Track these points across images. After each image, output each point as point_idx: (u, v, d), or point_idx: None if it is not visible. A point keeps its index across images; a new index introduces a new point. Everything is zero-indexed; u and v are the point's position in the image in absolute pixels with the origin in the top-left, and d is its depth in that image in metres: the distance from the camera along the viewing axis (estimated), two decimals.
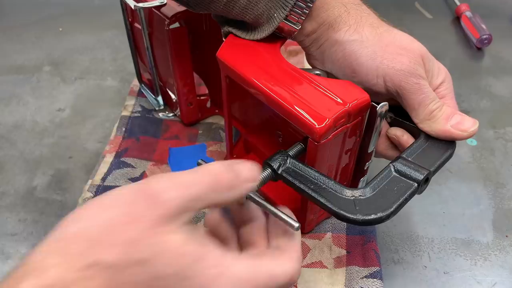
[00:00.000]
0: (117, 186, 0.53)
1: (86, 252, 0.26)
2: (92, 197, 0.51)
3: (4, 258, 0.48)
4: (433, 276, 0.47)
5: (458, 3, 0.86)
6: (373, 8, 0.44)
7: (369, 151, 0.44)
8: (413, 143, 0.41)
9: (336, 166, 0.43)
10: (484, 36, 0.77)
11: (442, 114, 0.41)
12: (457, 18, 0.86)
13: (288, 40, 0.45)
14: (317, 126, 0.37)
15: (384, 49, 0.41)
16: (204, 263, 0.28)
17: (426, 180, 0.37)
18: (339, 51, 0.42)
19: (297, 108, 0.38)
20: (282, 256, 0.33)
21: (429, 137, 0.41)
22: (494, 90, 0.71)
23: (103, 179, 0.54)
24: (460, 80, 0.72)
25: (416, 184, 0.36)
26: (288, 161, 0.39)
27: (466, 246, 0.50)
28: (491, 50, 0.79)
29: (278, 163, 0.39)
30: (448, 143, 0.41)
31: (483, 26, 0.79)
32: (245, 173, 0.31)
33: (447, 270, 0.48)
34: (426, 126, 0.41)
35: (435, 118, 0.41)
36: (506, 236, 0.51)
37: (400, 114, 0.43)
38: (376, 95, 0.42)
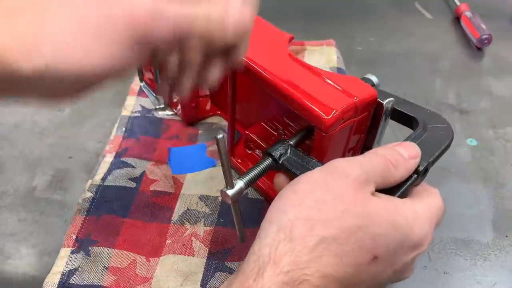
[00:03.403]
0: (117, 186, 0.53)
1: (309, 234, 0.29)
2: (92, 197, 0.51)
3: (4, 258, 0.48)
4: (433, 276, 0.47)
5: (458, 3, 0.86)
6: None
7: (373, 148, 0.44)
8: (411, 135, 0.41)
9: None
10: (484, 36, 0.77)
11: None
12: (457, 18, 0.86)
13: None
14: (325, 117, 0.37)
15: None
16: (401, 212, 0.32)
17: (426, 170, 0.38)
18: None
19: (306, 100, 0.39)
20: (429, 197, 0.36)
21: (426, 129, 0.41)
22: (494, 90, 0.71)
23: (103, 179, 0.54)
24: (460, 80, 0.72)
25: (415, 175, 0.37)
26: (289, 150, 0.39)
27: (466, 246, 0.50)
28: (491, 50, 0.79)
29: (280, 153, 0.39)
30: (445, 134, 0.41)
31: (483, 26, 0.79)
32: (406, 152, 0.35)
33: (447, 270, 0.48)
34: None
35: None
36: (506, 236, 0.51)
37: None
38: None
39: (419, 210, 0.34)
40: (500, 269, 0.48)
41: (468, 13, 0.83)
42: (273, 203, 0.32)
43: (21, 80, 0.26)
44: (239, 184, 0.37)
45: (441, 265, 0.48)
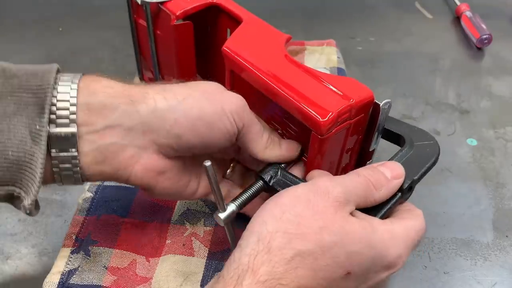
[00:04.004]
0: (117, 186, 0.53)
1: (287, 247, 0.31)
2: (92, 197, 0.51)
3: (4, 258, 0.48)
4: (433, 276, 0.47)
5: (458, 3, 0.86)
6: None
7: (370, 150, 0.44)
8: (397, 153, 0.41)
9: (337, 165, 0.44)
10: (484, 36, 0.77)
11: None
12: (457, 18, 0.86)
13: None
14: (321, 120, 0.37)
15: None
16: (378, 232, 0.34)
17: (410, 188, 0.38)
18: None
19: (301, 102, 0.38)
20: (409, 219, 0.37)
21: (412, 146, 0.41)
22: (494, 90, 0.71)
23: None
24: (460, 80, 0.72)
25: (399, 194, 0.37)
26: (279, 173, 0.41)
27: (466, 246, 0.50)
28: (491, 50, 0.79)
29: (270, 176, 0.41)
30: (432, 151, 0.41)
31: (483, 26, 0.79)
32: (389, 173, 0.36)
33: (447, 270, 0.48)
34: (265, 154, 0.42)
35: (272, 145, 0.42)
36: (506, 236, 0.51)
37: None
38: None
39: (396, 231, 0.35)
40: (500, 269, 0.48)
41: (468, 13, 0.83)
42: (256, 213, 0.34)
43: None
44: (231, 207, 0.39)
45: (441, 265, 0.48)
